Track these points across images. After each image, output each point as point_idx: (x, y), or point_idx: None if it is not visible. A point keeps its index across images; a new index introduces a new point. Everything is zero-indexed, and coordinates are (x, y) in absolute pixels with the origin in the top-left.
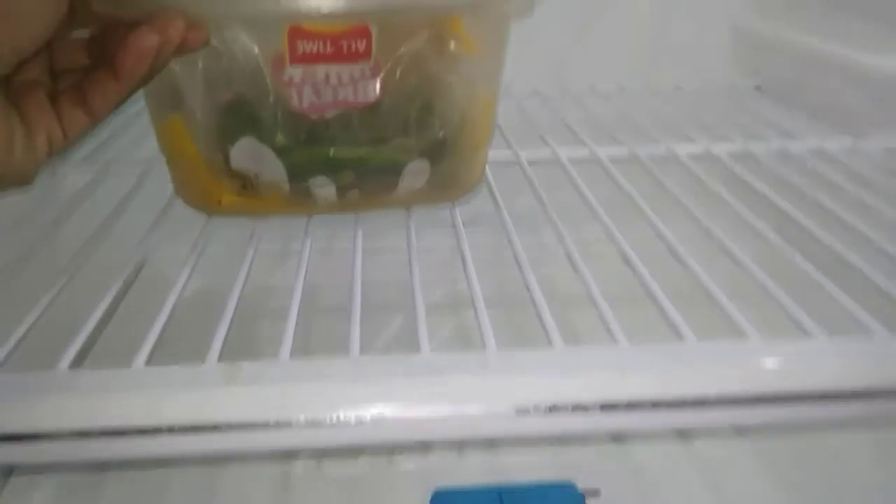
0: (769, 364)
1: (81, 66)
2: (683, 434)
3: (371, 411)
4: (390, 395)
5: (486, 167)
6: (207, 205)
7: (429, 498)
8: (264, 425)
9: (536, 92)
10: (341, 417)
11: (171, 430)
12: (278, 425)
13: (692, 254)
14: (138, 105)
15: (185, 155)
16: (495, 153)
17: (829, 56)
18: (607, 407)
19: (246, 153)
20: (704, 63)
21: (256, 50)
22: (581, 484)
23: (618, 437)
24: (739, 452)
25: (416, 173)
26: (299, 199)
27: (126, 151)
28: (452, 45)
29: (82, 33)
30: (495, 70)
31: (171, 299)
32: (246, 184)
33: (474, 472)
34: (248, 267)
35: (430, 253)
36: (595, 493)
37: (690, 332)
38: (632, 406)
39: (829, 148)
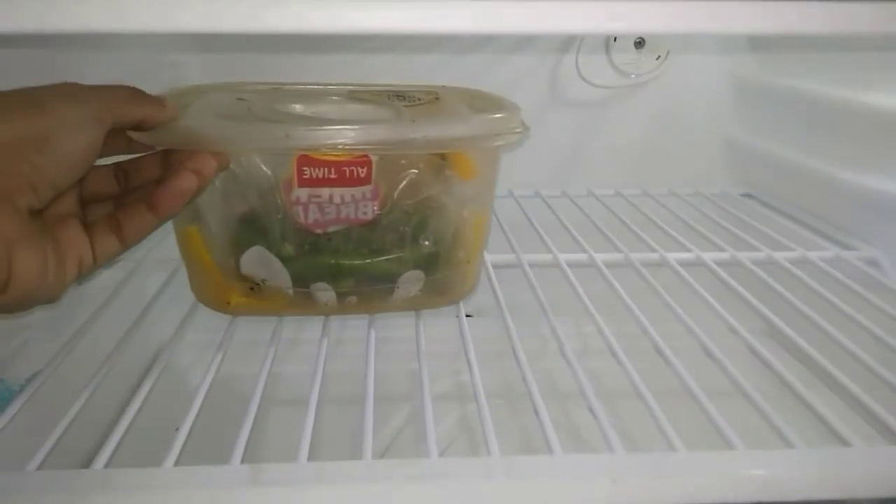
0: (754, 473)
1: (109, 193)
2: None
3: None
4: (402, 500)
5: (491, 269)
6: (218, 305)
7: None
8: None
9: (538, 194)
10: None
11: None
12: None
13: (680, 352)
14: None
15: (199, 260)
16: (499, 257)
17: (811, 169)
18: None
19: (255, 260)
20: (697, 171)
21: (269, 173)
22: None
23: None
24: None
25: (411, 282)
26: (302, 302)
27: (154, 251)
28: (448, 172)
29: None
30: (487, 193)
31: (197, 404)
32: (254, 287)
33: None
34: (270, 364)
35: (437, 343)
36: None
37: (679, 441)
38: None
39: (812, 258)
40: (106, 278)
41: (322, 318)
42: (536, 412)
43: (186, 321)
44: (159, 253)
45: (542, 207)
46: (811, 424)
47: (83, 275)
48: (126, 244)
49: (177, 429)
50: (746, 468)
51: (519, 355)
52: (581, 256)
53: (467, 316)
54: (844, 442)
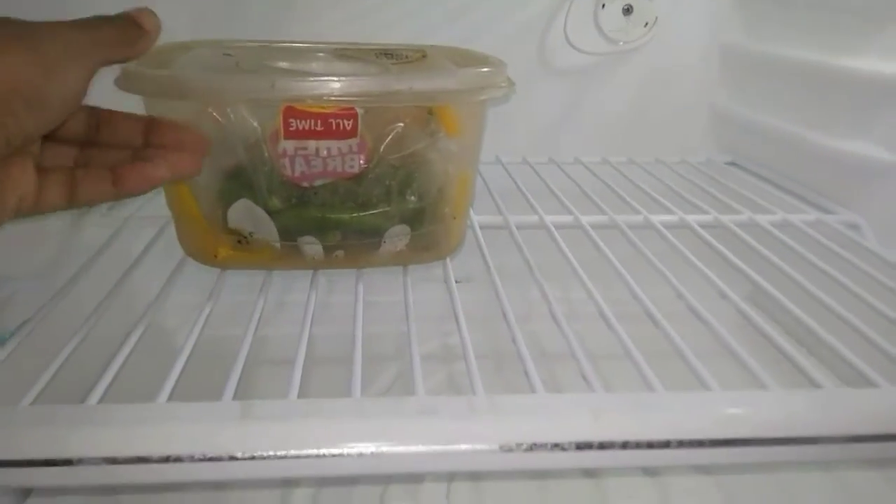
0: (728, 412)
1: (75, 137)
2: (650, 471)
3: (371, 447)
4: (389, 433)
5: (478, 229)
6: (206, 257)
7: None
8: (275, 456)
9: (525, 161)
10: (344, 451)
11: (191, 458)
12: (287, 457)
13: (666, 315)
14: None
15: (188, 213)
16: (487, 218)
17: (794, 136)
18: (582, 446)
19: (242, 214)
20: (683, 139)
21: (256, 124)
22: None
23: (590, 473)
24: (703, 485)
25: (396, 237)
26: (289, 256)
27: (141, 209)
28: (433, 126)
29: None
30: (473, 150)
31: (190, 343)
32: (241, 240)
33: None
34: (258, 317)
35: (425, 305)
36: None
37: (659, 384)
38: (604, 446)
39: (794, 220)
40: (94, 235)
41: (310, 272)
42: (523, 364)
43: (175, 274)
44: (149, 210)
45: (529, 173)
46: (794, 380)
47: (22, 215)
48: (75, 204)
49: None
50: (722, 406)
51: (508, 316)
52: (567, 218)
53: (456, 282)
54: (818, 386)
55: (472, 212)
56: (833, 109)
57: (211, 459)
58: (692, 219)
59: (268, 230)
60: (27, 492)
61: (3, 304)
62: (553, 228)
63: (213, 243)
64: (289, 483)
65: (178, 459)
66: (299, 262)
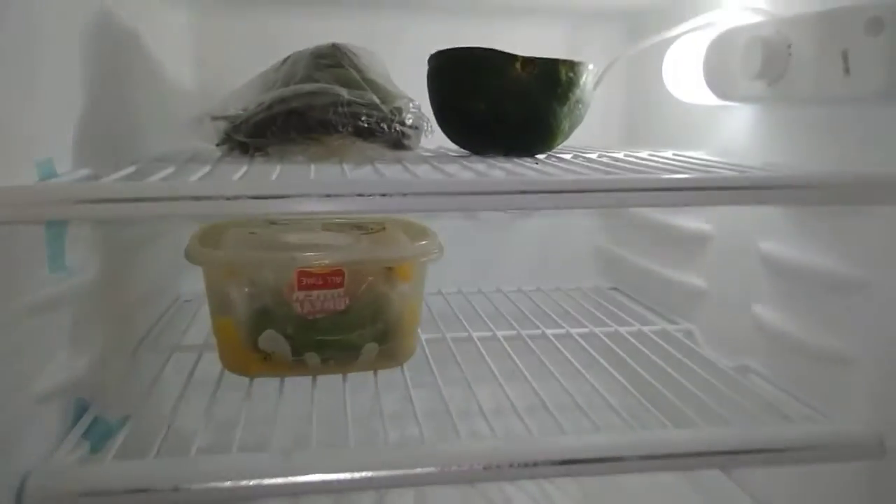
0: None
1: None
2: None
3: None
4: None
5: (424, 343)
6: (241, 369)
7: None
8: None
9: (460, 291)
10: None
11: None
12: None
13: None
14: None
15: (230, 341)
16: (430, 335)
17: (651, 269)
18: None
19: (267, 339)
20: (579, 271)
21: (278, 281)
22: None
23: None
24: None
25: (369, 351)
26: (297, 366)
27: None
28: (392, 278)
29: None
30: (419, 290)
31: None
32: (266, 357)
33: None
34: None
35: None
36: None
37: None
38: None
39: (645, 331)
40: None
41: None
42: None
43: (220, 380)
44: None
45: (462, 301)
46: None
47: None
48: None
49: None
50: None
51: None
52: (487, 333)
53: None
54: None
55: (419, 331)
56: (673, 252)
57: None
58: (575, 331)
59: (284, 349)
60: None
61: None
62: (477, 341)
63: (247, 360)
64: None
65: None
66: (304, 370)
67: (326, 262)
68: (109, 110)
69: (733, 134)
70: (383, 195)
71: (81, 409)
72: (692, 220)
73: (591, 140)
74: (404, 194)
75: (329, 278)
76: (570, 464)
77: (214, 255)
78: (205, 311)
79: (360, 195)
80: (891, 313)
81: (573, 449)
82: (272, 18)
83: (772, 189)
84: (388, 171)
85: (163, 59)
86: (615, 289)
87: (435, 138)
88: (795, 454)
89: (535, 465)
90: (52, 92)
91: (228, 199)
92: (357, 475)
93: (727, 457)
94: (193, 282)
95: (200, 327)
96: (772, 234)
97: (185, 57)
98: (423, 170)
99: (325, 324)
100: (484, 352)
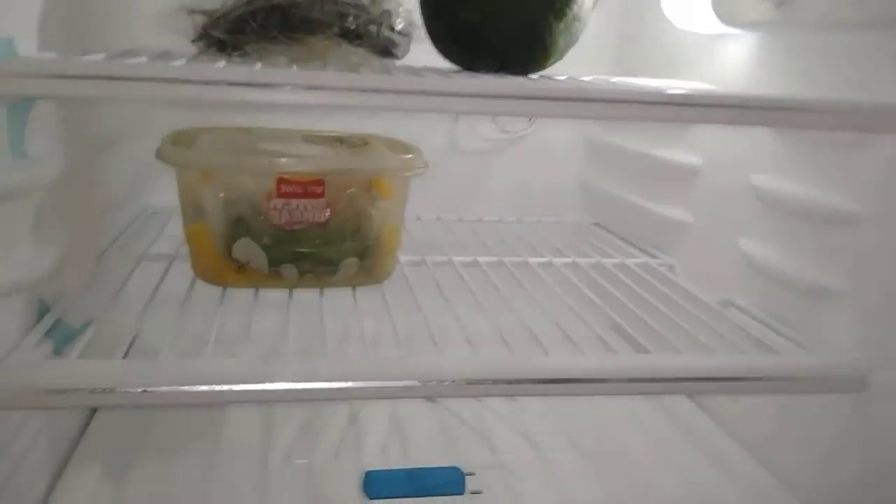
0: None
1: None
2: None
3: None
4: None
5: (403, 264)
6: (214, 279)
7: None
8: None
9: (439, 218)
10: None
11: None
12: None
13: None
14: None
15: (203, 248)
16: (409, 257)
17: (634, 204)
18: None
19: (243, 248)
20: (561, 204)
21: (256, 188)
22: None
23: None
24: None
25: (349, 266)
26: (273, 278)
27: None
28: (373, 192)
29: None
30: (400, 207)
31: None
32: (240, 267)
33: None
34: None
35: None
36: (472, 474)
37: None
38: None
39: (628, 263)
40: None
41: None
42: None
43: (190, 290)
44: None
45: (441, 227)
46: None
47: None
48: None
49: None
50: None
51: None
52: (468, 258)
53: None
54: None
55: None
56: (658, 186)
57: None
58: (557, 261)
59: (260, 260)
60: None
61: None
62: (458, 265)
63: (221, 269)
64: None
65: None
66: (280, 282)
67: (307, 169)
68: None
69: (735, 64)
70: (375, 90)
71: (44, 311)
72: (681, 152)
73: (582, 66)
74: (398, 91)
75: (309, 187)
76: (553, 383)
77: (190, 155)
78: (173, 224)
79: (350, 89)
80: (881, 249)
81: (557, 369)
82: None
83: (765, 110)
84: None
85: None
86: (598, 224)
87: (421, 58)
88: (777, 384)
89: (518, 382)
90: None
91: (208, 83)
92: (336, 385)
93: (712, 383)
94: (161, 193)
95: (169, 239)
96: (765, 168)
97: None
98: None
99: (304, 235)
100: (464, 276)
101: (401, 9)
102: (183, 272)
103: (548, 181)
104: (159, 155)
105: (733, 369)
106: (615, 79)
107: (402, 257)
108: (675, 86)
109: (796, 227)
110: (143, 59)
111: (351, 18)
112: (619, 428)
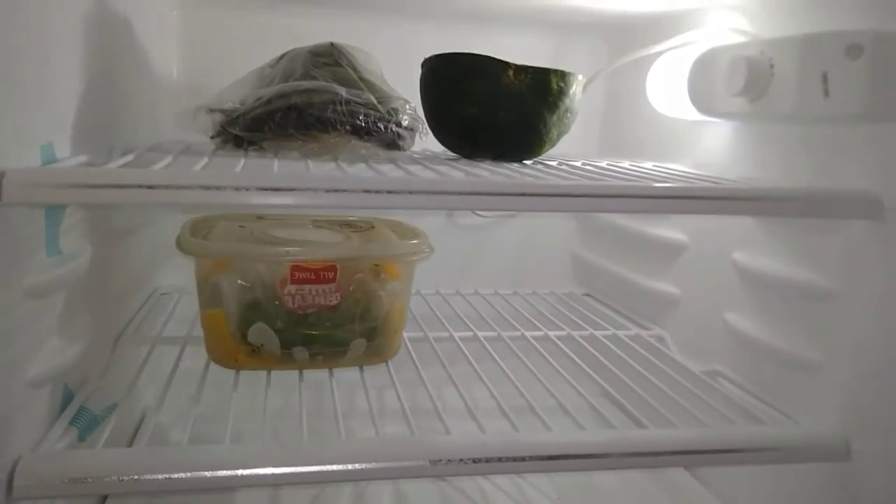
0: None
1: None
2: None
3: None
4: None
5: (407, 340)
6: (229, 362)
7: None
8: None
9: (437, 292)
10: None
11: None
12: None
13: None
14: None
15: (219, 331)
16: (412, 333)
17: (625, 277)
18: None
19: (257, 332)
20: (554, 277)
21: (270, 276)
22: None
23: None
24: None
25: (358, 346)
26: (285, 360)
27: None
28: (382, 275)
29: None
30: (407, 290)
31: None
32: (254, 350)
33: None
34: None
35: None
36: None
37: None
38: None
39: (620, 335)
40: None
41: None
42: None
43: (205, 373)
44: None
45: (441, 301)
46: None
47: None
48: None
49: None
50: (557, 437)
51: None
52: (468, 333)
53: None
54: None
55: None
56: (647, 260)
57: None
58: (553, 334)
59: (273, 343)
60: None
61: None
62: (459, 340)
63: (236, 352)
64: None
65: None
66: (292, 364)
67: (320, 257)
68: (104, 99)
69: (712, 148)
70: (390, 192)
71: (68, 396)
72: (667, 230)
73: (570, 148)
74: (410, 192)
75: (322, 273)
76: (556, 459)
77: (209, 246)
78: (183, 305)
79: (366, 191)
80: (859, 322)
81: (560, 445)
82: (261, 16)
83: (741, 200)
84: (383, 169)
85: (153, 50)
86: (589, 295)
87: (420, 142)
88: (766, 454)
89: (524, 459)
90: (56, 80)
91: (237, 189)
92: (349, 466)
93: (705, 455)
94: (170, 275)
95: (179, 321)
96: (745, 245)
97: (173, 50)
98: (416, 169)
99: (315, 319)
100: (466, 351)
101: (407, 106)
102: (196, 354)
103: (542, 254)
104: (180, 246)
105: (726, 442)
106: (604, 162)
107: (406, 334)
108: (655, 172)
109: (777, 302)
110: (168, 158)
111: (362, 117)
112: (618, 498)
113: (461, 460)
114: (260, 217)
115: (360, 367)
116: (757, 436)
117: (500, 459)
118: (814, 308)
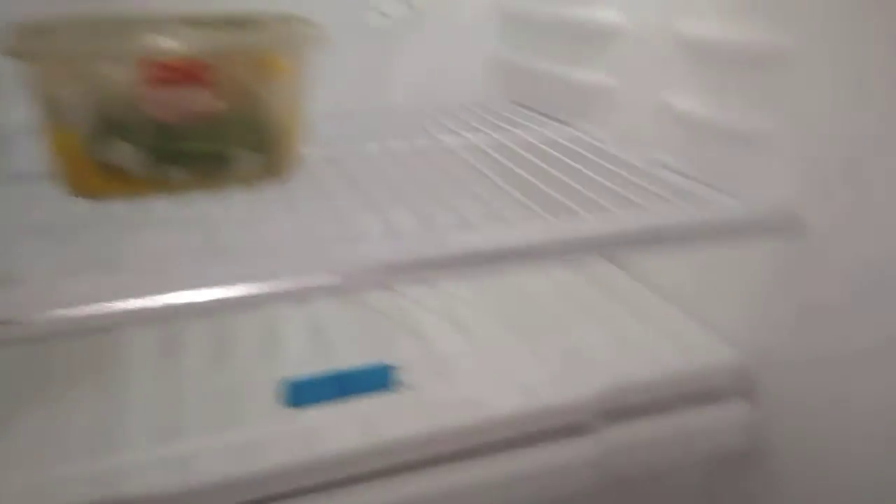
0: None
1: None
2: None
3: None
4: None
5: (308, 159)
6: (89, 191)
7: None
8: None
9: (342, 108)
10: None
11: None
12: None
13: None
14: None
15: (71, 155)
16: (316, 151)
17: (553, 74)
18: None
19: (117, 151)
20: (475, 83)
21: (127, 77)
22: None
23: None
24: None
25: (245, 163)
26: (157, 183)
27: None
28: (266, 70)
29: None
30: (300, 90)
31: None
32: (117, 174)
33: None
34: None
35: None
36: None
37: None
38: None
39: (548, 134)
40: None
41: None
42: None
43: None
44: None
45: (346, 117)
46: None
47: None
48: None
49: None
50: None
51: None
52: (381, 146)
53: None
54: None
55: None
56: (576, 49)
57: None
58: (477, 140)
59: (139, 163)
60: None
61: None
62: (370, 155)
63: (94, 178)
64: None
65: None
66: (165, 187)
67: (183, 49)
68: None
69: None
70: None
71: None
72: (599, 10)
73: None
74: None
75: (190, 72)
76: (483, 261)
77: (45, 46)
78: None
79: None
80: (812, 86)
81: (491, 241)
82: None
83: None
84: None
85: None
86: (516, 102)
87: None
88: (718, 234)
89: (443, 266)
90: None
91: None
92: (246, 288)
93: (649, 239)
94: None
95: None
96: (689, 12)
97: None
98: None
99: (188, 130)
100: (379, 164)
101: None
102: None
103: (462, 57)
104: (8, 50)
105: (671, 224)
106: None
107: (307, 151)
108: None
109: (724, 73)
110: None
111: None
112: (546, 300)
113: (374, 269)
114: (116, 20)
115: (251, 189)
116: (705, 216)
117: (419, 266)
118: (762, 75)
